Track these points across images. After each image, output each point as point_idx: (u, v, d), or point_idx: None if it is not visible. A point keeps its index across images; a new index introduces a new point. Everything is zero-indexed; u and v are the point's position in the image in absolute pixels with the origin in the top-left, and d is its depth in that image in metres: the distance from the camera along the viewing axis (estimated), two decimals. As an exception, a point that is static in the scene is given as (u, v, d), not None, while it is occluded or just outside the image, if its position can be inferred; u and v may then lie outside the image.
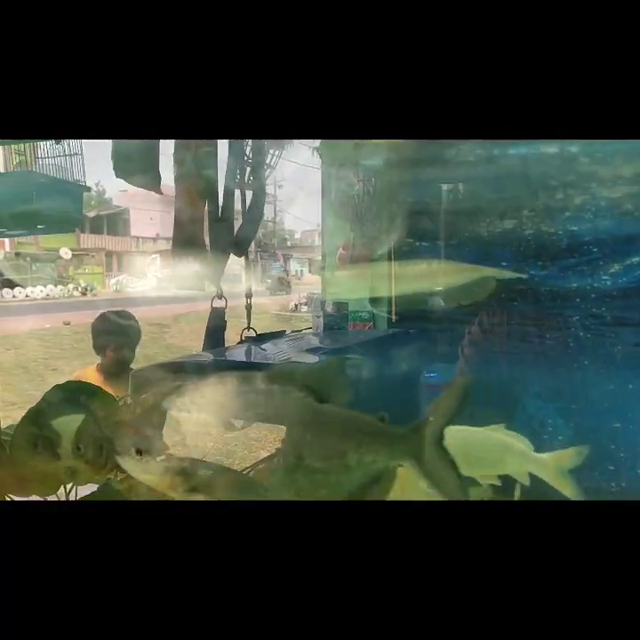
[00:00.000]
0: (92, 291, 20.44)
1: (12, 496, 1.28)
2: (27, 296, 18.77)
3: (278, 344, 1.62)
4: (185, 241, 1.63)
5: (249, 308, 1.86)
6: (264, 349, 1.64)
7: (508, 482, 0.90)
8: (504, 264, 1.26)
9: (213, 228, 1.71)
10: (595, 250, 1.18)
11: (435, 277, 1.20)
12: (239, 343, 1.83)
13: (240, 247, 1.80)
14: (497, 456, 0.89)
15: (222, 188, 1.76)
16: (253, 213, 1.81)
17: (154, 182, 1.53)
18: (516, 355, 1.24)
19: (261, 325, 1.97)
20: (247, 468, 1.69)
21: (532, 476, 0.88)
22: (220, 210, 1.75)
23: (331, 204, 3.06)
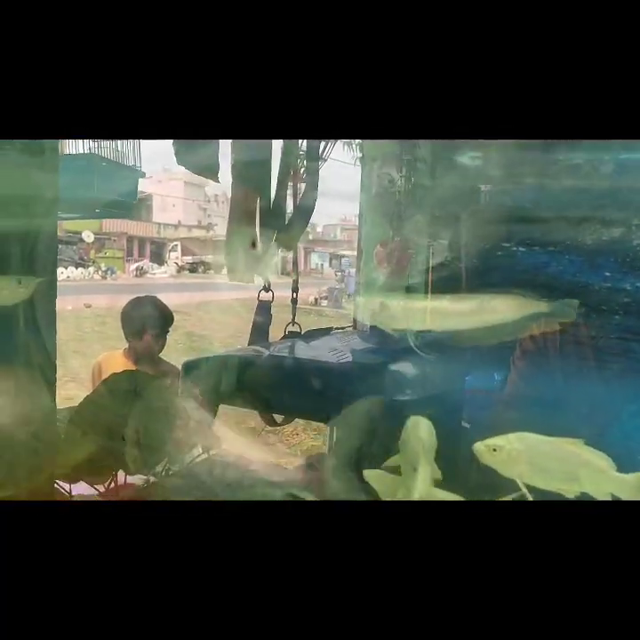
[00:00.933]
0: (112, 274, 20.59)
1: (61, 483, 1.28)
2: (48, 277, 18.99)
3: (329, 342, 1.59)
4: (237, 232, 1.62)
5: (294, 302, 1.85)
6: (313, 347, 1.62)
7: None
8: (607, 274, 1.22)
9: (264, 221, 1.70)
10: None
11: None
12: (283, 338, 1.81)
13: (290, 241, 1.78)
14: (570, 470, 0.87)
15: (275, 181, 1.74)
16: (305, 207, 1.79)
17: (213, 171, 1.52)
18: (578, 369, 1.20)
19: (280, 318, 1.95)
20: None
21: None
22: (271, 203, 1.73)
23: (370, 200, 3.03)
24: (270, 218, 1.70)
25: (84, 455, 1.19)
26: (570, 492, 0.83)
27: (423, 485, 0.89)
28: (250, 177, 1.63)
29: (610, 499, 0.83)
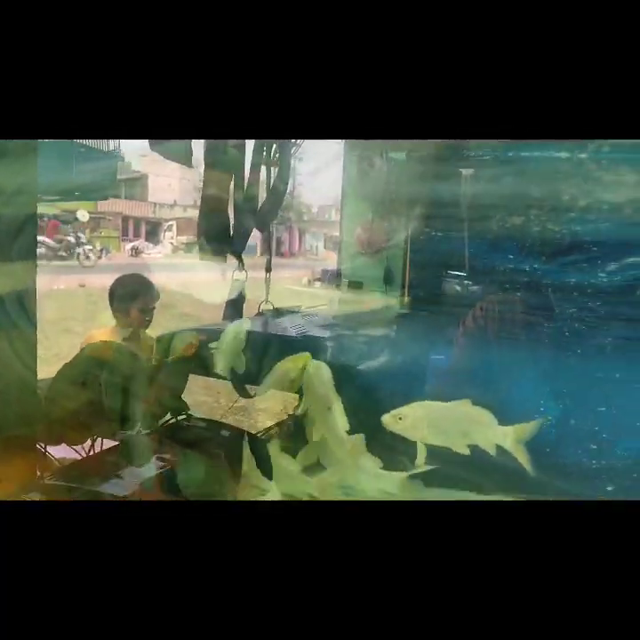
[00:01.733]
0: (107, 254, 20.47)
1: (43, 445, 1.38)
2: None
3: (295, 319, 1.69)
4: (210, 213, 1.70)
5: (268, 281, 1.93)
6: (282, 323, 1.71)
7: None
8: (510, 257, 1.33)
9: (238, 202, 1.77)
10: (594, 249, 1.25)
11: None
12: (257, 315, 1.90)
13: (263, 221, 1.86)
14: (462, 428, 0.98)
15: (248, 163, 1.81)
16: (277, 189, 1.87)
17: (186, 156, 1.59)
18: (513, 342, 1.31)
19: (274, 300, 2.03)
20: (260, 431, 1.78)
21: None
22: (245, 184, 1.80)
23: (351, 184, 3.09)
24: (243, 198, 1.78)
25: (65, 414, 1.28)
26: (462, 446, 0.95)
27: (342, 418, 1.00)
28: (223, 159, 1.70)
29: (494, 448, 0.94)
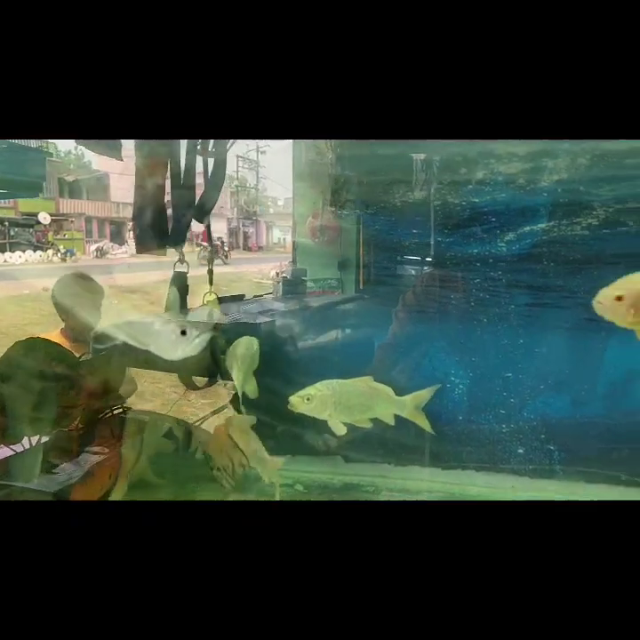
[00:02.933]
0: (71, 256, 20.13)
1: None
2: (5, 261, 18.47)
3: (234, 308, 1.70)
4: (146, 207, 1.68)
5: (211, 273, 1.93)
6: (223, 312, 1.72)
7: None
8: (414, 231, 1.36)
9: (175, 195, 1.76)
10: (493, 219, 1.29)
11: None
12: (201, 306, 1.90)
13: (201, 213, 1.85)
14: (365, 402, 1.02)
15: (184, 155, 1.80)
16: (215, 180, 1.86)
17: (115, 148, 1.57)
18: (432, 315, 1.35)
19: (244, 292, 2.05)
20: (197, 420, 1.79)
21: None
22: (182, 176, 1.79)
23: (301, 174, 3.09)
24: (180, 190, 1.77)
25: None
26: (364, 421, 0.99)
27: (238, 385, 1.13)
28: (157, 151, 1.68)
29: (393, 418, 0.99)
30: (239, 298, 1.91)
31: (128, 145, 1.69)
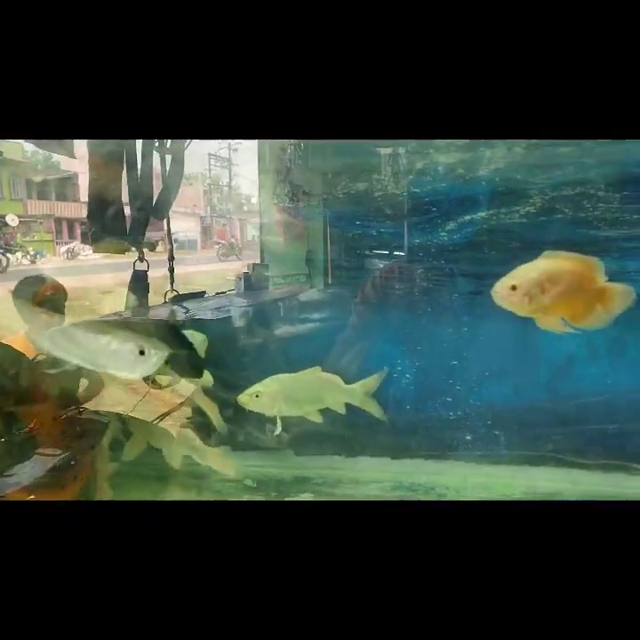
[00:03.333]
0: (41, 258, 19.75)
1: None
2: (-27, 265, 18.03)
3: (193, 304, 1.70)
4: (102, 205, 1.67)
5: (171, 270, 1.92)
6: (184, 309, 1.72)
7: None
8: (358, 222, 1.37)
9: (132, 192, 1.75)
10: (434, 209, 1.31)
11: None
12: (163, 304, 1.90)
13: (160, 210, 1.84)
14: (314, 394, 1.03)
15: (140, 152, 1.79)
16: (173, 177, 1.85)
17: (66, 146, 1.55)
18: (380, 306, 1.37)
19: (213, 289, 2.05)
20: (155, 418, 1.78)
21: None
22: (138, 173, 1.78)
23: (265, 169, 3.09)
24: (137, 188, 1.76)
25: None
26: (315, 414, 1.00)
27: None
28: (112, 149, 1.67)
29: (344, 407, 1.00)
30: (200, 295, 1.91)
31: (83, 142, 1.67)
